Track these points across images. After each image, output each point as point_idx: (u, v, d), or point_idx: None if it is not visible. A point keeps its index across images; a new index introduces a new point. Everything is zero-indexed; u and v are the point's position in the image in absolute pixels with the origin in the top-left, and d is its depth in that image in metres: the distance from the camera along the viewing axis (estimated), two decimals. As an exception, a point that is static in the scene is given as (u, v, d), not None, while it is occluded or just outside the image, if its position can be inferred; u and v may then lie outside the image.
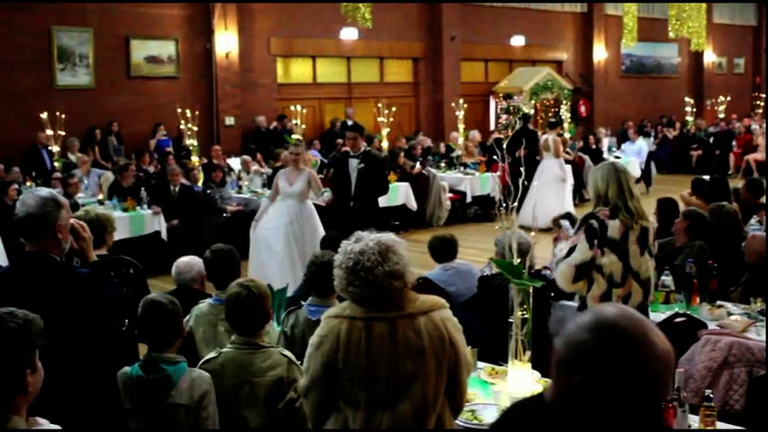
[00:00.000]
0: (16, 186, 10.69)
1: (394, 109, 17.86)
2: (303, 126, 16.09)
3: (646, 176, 18.21)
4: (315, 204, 9.34)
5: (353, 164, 8.87)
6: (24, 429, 2.43)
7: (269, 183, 13.09)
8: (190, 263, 5.50)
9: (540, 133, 15.05)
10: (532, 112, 16.29)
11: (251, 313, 3.90)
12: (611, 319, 1.89)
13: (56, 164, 13.17)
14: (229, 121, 16.70)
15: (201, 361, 4.03)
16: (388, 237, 3.19)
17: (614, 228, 4.62)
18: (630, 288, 4.66)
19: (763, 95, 24.06)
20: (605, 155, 17.09)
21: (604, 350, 1.84)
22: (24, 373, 2.44)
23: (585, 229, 4.62)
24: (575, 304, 5.25)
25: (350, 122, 17.74)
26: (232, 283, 4.09)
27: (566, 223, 6.54)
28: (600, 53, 24.11)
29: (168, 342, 3.86)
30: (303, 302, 4.68)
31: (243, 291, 3.91)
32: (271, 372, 3.81)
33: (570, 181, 14.46)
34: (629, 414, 1.85)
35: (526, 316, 4.08)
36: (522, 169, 4.67)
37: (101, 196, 11.58)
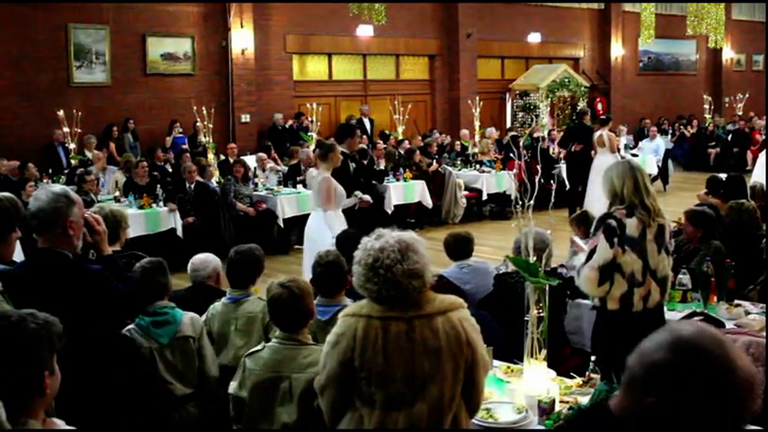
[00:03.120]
0: (33, 184, 10.78)
1: (410, 106, 17.87)
2: (319, 123, 16.10)
3: (663, 174, 18.11)
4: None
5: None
6: (40, 430, 2.42)
7: (285, 180, 13.10)
8: (205, 260, 5.50)
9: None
10: (587, 108, 16.28)
11: (292, 312, 3.90)
12: (690, 337, 1.75)
13: (72, 161, 13.24)
14: (245, 118, 16.72)
15: (248, 352, 4.05)
16: (409, 235, 3.17)
17: (632, 226, 4.58)
18: (650, 287, 4.63)
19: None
20: (622, 152, 17.06)
21: (683, 371, 1.72)
22: (42, 375, 2.43)
23: (604, 229, 4.58)
24: (591, 303, 5.22)
25: (366, 120, 17.77)
26: (274, 282, 4.06)
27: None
28: (617, 50, 24.00)
29: (162, 295, 4.61)
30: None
31: (284, 291, 3.90)
32: (311, 368, 3.79)
33: None
34: None
35: (542, 314, 4.06)
36: (539, 167, 4.63)
37: (117, 193, 11.63)
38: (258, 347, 4.03)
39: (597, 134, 14.37)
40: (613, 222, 4.58)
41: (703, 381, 1.69)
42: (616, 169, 4.77)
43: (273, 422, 3.87)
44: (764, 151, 15.69)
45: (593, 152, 14.27)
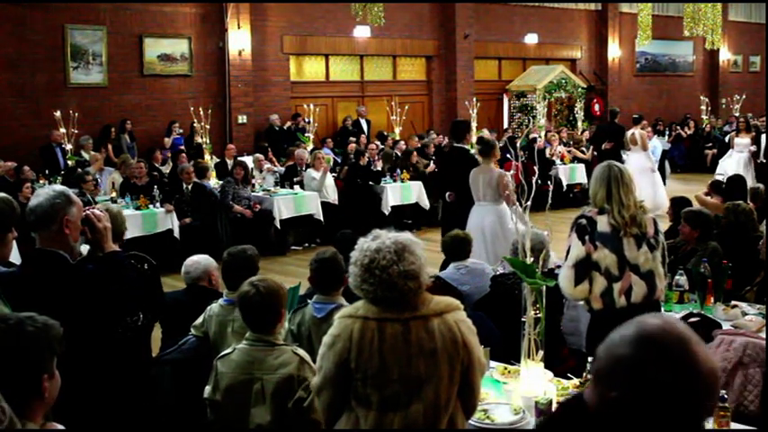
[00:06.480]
0: (29, 185, 10.77)
1: (407, 107, 17.87)
2: (316, 124, 16.10)
3: (660, 176, 18.10)
4: None
5: None
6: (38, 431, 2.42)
7: (282, 181, 13.10)
8: (195, 262, 5.49)
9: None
10: (617, 110, 16.43)
11: (261, 312, 3.90)
12: (654, 332, 1.77)
13: (69, 162, 13.22)
14: (242, 119, 16.71)
15: (218, 356, 4.05)
16: (406, 236, 3.15)
17: (603, 222, 4.63)
18: (630, 281, 4.62)
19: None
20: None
21: (644, 366, 1.74)
22: (41, 378, 2.42)
23: (576, 229, 4.63)
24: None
25: (363, 121, 17.76)
26: (244, 281, 4.08)
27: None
28: (614, 51, 24.01)
29: None
30: (309, 300, 4.68)
31: (252, 290, 3.91)
32: (281, 369, 3.81)
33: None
34: None
35: (539, 315, 4.05)
36: (536, 168, 4.63)
37: (113, 194, 11.62)
38: (228, 350, 4.02)
39: (630, 133, 14.79)
40: (584, 221, 4.65)
41: (664, 378, 1.72)
42: (598, 171, 4.78)
43: (248, 424, 3.86)
44: (730, 151, 16.10)
45: (622, 151, 14.57)
